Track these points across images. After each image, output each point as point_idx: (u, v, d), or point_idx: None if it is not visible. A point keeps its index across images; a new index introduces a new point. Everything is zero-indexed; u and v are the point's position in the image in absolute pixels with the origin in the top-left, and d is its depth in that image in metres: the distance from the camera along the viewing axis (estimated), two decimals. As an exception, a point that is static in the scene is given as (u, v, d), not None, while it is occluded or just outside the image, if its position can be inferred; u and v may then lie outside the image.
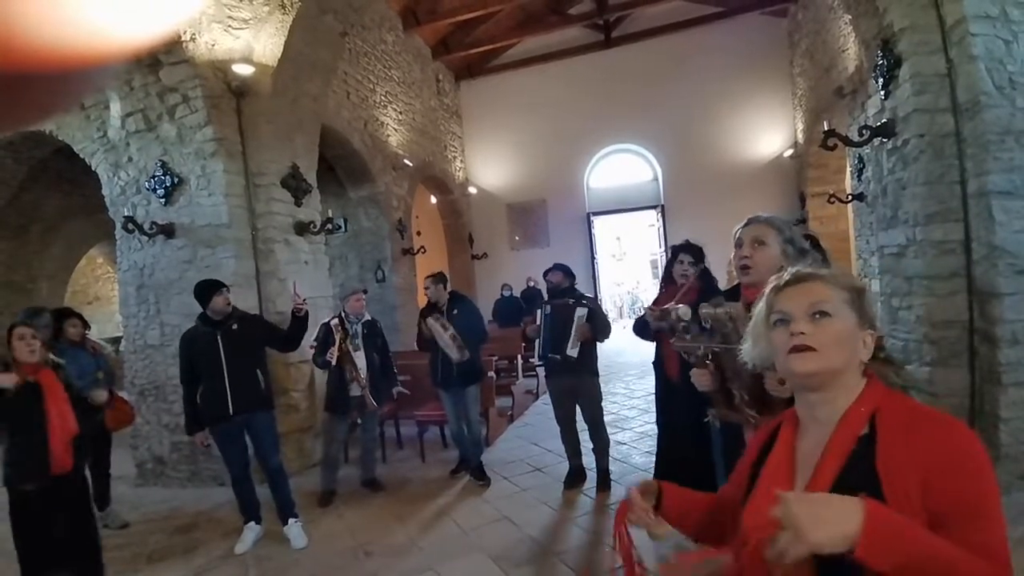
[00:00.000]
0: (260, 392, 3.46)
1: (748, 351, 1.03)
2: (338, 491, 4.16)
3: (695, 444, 2.57)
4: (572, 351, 3.77)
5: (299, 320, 3.70)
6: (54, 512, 2.70)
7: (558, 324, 3.86)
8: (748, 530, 0.93)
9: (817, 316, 0.91)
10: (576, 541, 3.24)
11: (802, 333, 0.90)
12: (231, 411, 3.34)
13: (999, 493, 0.81)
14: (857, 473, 0.83)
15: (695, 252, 3.35)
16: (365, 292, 4.39)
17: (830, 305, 0.91)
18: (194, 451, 4.60)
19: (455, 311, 4.16)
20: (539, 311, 4.04)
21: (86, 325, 4.02)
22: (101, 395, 3.44)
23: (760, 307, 1.00)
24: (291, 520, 3.47)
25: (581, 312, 3.80)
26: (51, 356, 2.92)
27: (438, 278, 4.23)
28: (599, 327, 3.86)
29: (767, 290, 1.00)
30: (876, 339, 0.94)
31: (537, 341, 4.03)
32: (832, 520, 0.70)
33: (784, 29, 10.12)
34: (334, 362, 3.94)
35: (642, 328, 3.42)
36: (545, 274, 4.16)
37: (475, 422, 4.31)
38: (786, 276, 0.98)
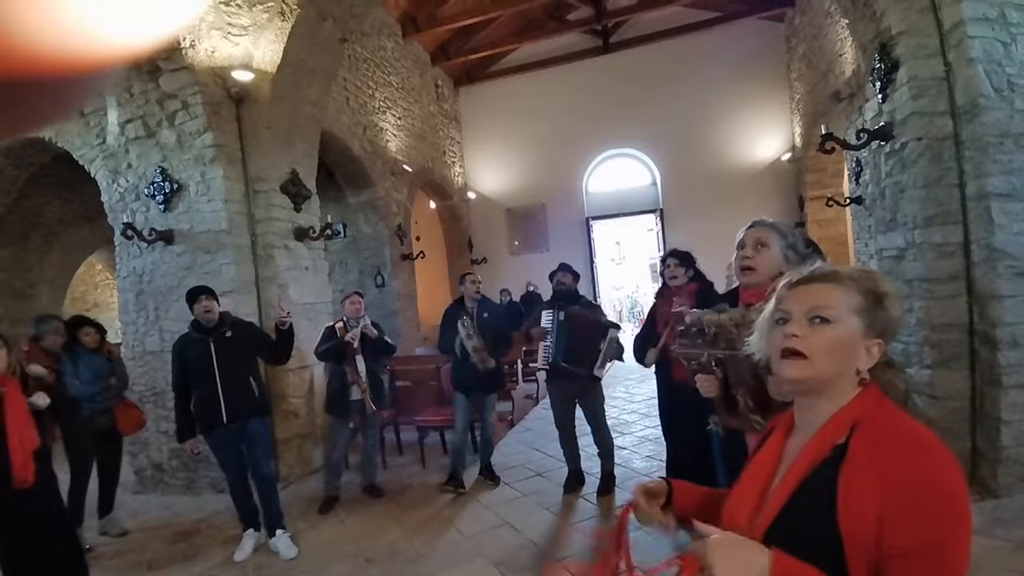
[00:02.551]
0: (254, 399, 3.43)
1: (755, 343, 1.02)
2: (340, 497, 4.14)
3: (700, 450, 2.57)
4: (600, 371, 3.72)
5: (284, 334, 3.60)
6: (19, 523, 2.59)
7: (577, 335, 3.74)
8: (727, 517, 0.96)
9: (816, 321, 0.88)
10: (578, 546, 3.22)
11: (795, 336, 0.88)
12: (224, 418, 3.32)
13: (967, 537, 0.74)
14: (819, 483, 0.82)
15: (681, 256, 3.42)
16: (360, 295, 4.34)
17: (832, 311, 0.88)
18: (192, 458, 4.59)
19: (484, 314, 4.14)
20: (548, 313, 3.89)
21: (102, 331, 4.05)
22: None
23: (771, 301, 0.99)
24: (278, 531, 3.43)
25: (615, 335, 3.70)
26: (35, 367, 2.89)
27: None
28: (621, 347, 3.82)
29: (781, 284, 0.97)
30: (883, 349, 0.90)
31: (544, 345, 3.86)
32: (739, 571, 0.74)
33: (781, 34, 10.16)
34: (356, 343, 3.96)
35: (641, 351, 3.41)
36: (552, 275, 4.09)
37: (490, 424, 4.32)
38: (804, 272, 0.95)
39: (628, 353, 3.72)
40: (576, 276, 4.05)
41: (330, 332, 4.14)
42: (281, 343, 3.64)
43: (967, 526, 0.75)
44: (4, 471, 2.51)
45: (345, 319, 4.13)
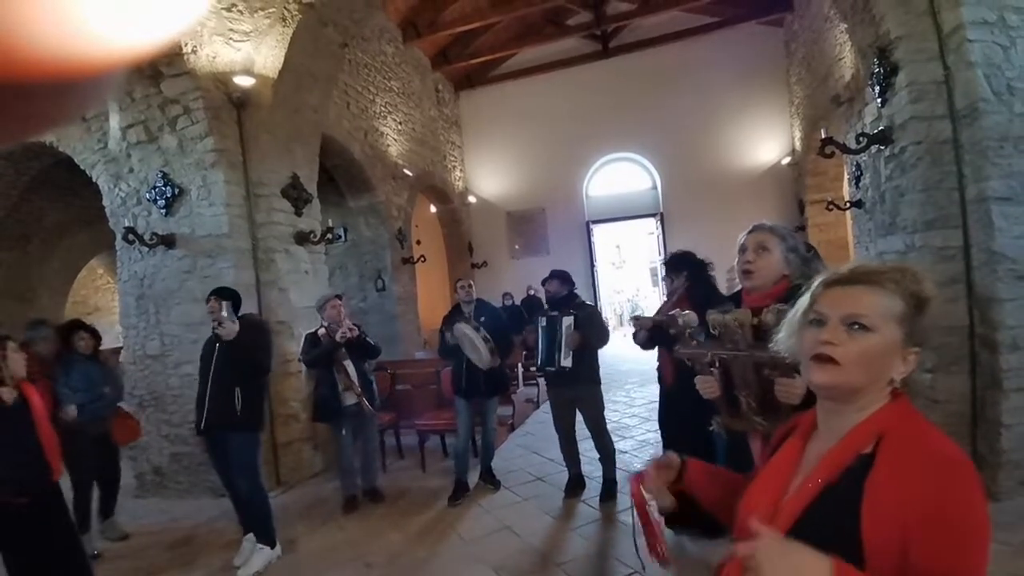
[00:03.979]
0: (232, 413, 3.22)
1: (783, 340, 0.98)
2: (356, 496, 4.15)
3: (696, 453, 2.55)
4: (565, 361, 3.75)
5: (230, 346, 3.24)
6: (44, 524, 2.62)
7: (550, 335, 3.87)
8: (742, 519, 0.93)
9: (855, 327, 0.84)
10: (579, 551, 3.21)
11: (829, 343, 0.84)
12: (202, 426, 3.29)
13: (985, 563, 0.74)
14: (843, 492, 0.80)
15: (669, 263, 3.40)
16: (340, 298, 4.18)
17: (871, 319, 0.83)
18: (193, 462, 4.58)
19: (482, 318, 4.13)
20: (540, 320, 4.02)
21: (97, 337, 3.99)
22: (70, 412, 3.47)
23: (804, 297, 0.93)
24: (258, 544, 3.32)
25: (568, 322, 3.76)
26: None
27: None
28: (592, 332, 3.80)
29: (817, 281, 0.92)
30: (919, 357, 0.86)
31: (536, 351, 4.03)
32: None
33: (780, 38, 10.19)
34: (352, 334, 3.88)
35: (642, 340, 3.42)
36: (543, 283, 4.14)
37: (492, 428, 4.31)
38: (843, 271, 0.90)
39: (624, 359, 3.71)
40: (565, 280, 4.03)
41: (312, 338, 4.06)
42: (237, 356, 3.27)
43: (986, 552, 0.74)
44: (44, 465, 2.59)
45: (327, 324, 4.02)
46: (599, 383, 3.95)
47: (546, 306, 4.14)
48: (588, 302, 4.14)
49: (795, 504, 0.84)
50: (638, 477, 1.14)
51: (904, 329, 0.84)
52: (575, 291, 4.10)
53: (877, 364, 0.84)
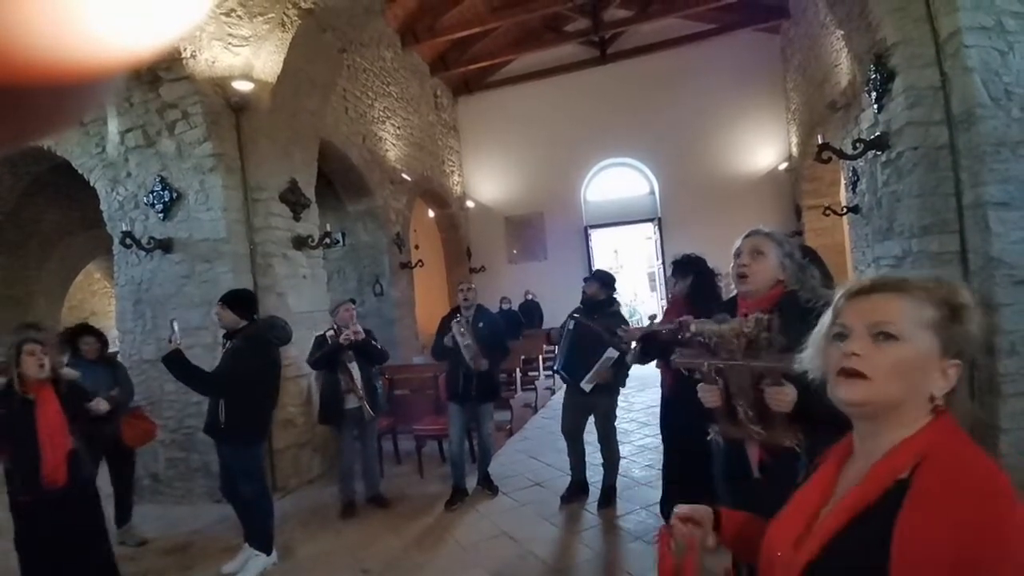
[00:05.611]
0: (217, 421, 3.18)
1: (808, 359, 0.91)
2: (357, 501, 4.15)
3: (694, 460, 2.55)
4: (587, 385, 3.66)
5: (170, 363, 3.13)
6: (51, 526, 2.69)
7: (580, 347, 3.72)
8: (766, 547, 0.88)
9: (881, 337, 0.77)
10: (577, 557, 3.20)
11: (855, 355, 0.78)
12: (203, 428, 3.32)
13: None
14: (876, 521, 0.73)
15: (679, 267, 3.34)
16: (353, 302, 4.27)
17: (899, 327, 0.77)
18: (189, 468, 4.56)
19: (480, 324, 4.12)
20: (568, 320, 3.91)
21: (103, 340, 3.96)
22: (100, 404, 3.37)
23: (827, 313, 0.88)
24: (252, 551, 3.29)
25: (611, 355, 3.54)
26: (67, 369, 3.01)
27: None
28: (620, 377, 3.74)
29: (839, 293, 0.86)
30: (960, 371, 0.78)
31: (556, 349, 3.98)
32: None
33: (777, 45, 10.25)
34: (356, 337, 3.90)
35: (635, 357, 3.37)
36: (584, 280, 4.07)
37: (487, 434, 4.30)
38: (865, 280, 0.84)
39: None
40: (605, 283, 3.91)
41: (321, 341, 4.11)
42: (179, 376, 3.20)
43: None
44: (36, 472, 2.63)
45: (337, 327, 4.07)
46: (617, 393, 3.96)
47: (581, 306, 3.99)
48: (624, 312, 3.97)
49: (823, 532, 0.78)
50: (668, 533, 1.01)
51: (939, 337, 0.77)
52: (615, 297, 3.95)
53: (911, 376, 0.77)
